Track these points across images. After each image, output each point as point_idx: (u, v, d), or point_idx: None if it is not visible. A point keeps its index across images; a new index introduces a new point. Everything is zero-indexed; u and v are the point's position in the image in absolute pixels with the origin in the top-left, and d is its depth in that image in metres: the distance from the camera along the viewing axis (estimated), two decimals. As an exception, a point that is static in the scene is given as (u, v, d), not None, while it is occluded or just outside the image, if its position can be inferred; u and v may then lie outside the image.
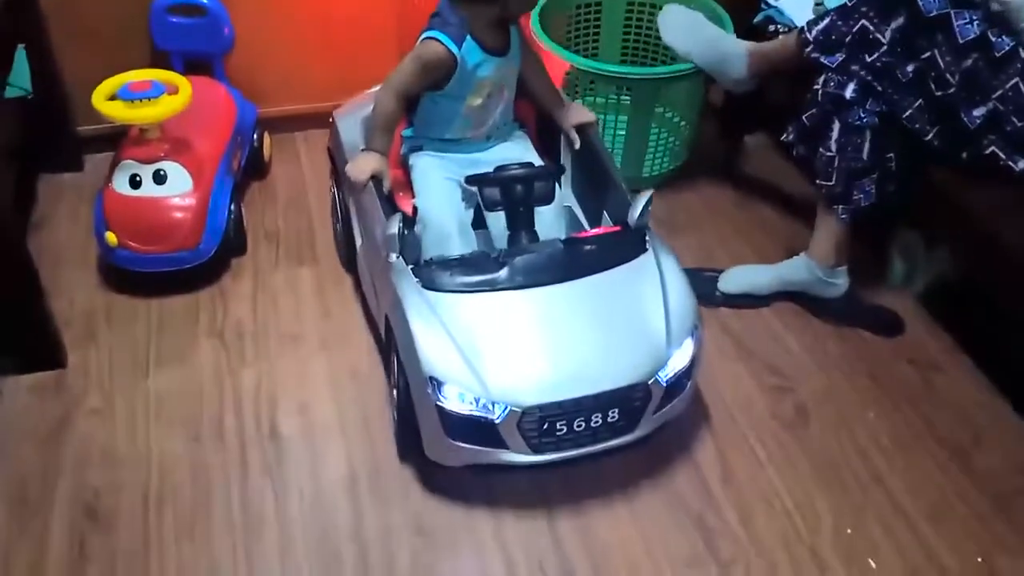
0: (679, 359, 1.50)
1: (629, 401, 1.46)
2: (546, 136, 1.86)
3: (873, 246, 1.94)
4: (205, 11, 2.04)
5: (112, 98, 1.77)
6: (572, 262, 1.52)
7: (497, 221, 1.66)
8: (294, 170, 2.24)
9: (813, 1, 1.99)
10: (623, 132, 2.13)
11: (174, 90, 1.80)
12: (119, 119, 1.77)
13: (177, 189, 1.81)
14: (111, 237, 1.80)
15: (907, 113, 1.59)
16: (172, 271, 1.86)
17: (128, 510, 1.50)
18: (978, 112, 1.53)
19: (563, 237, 1.61)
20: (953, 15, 1.50)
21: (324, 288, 1.93)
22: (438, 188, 1.69)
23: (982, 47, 1.50)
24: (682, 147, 2.24)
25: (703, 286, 1.84)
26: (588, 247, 1.56)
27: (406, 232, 1.51)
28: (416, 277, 1.49)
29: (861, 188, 1.68)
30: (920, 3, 1.52)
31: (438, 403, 1.42)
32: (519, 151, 1.76)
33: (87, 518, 1.49)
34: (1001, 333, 1.74)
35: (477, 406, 1.42)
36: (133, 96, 1.76)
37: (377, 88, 1.67)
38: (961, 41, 1.50)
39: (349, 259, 1.91)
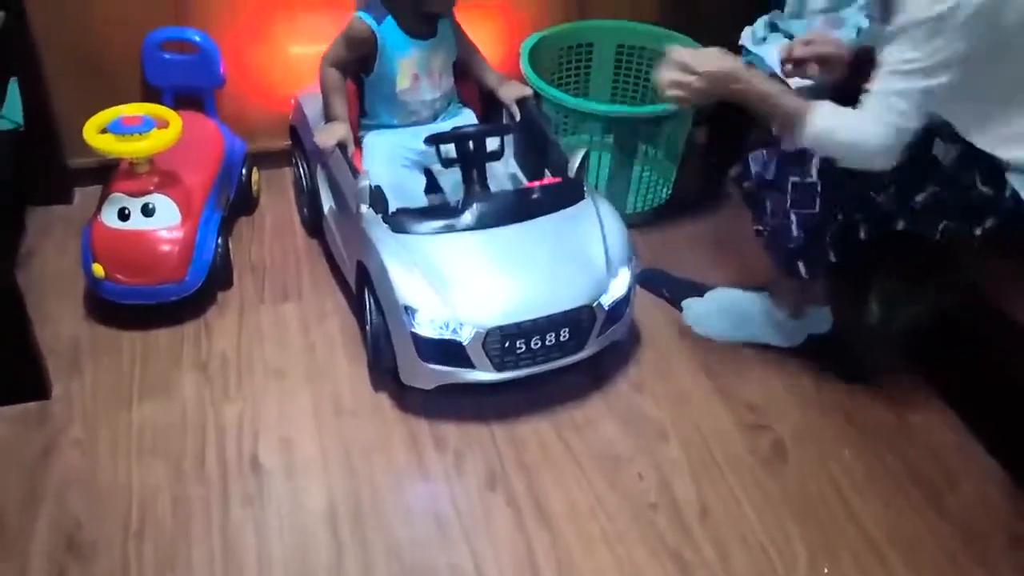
0: (618, 286, 1.73)
1: (577, 322, 1.67)
2: (490, 115, 2.09)
3: (852, 287, 1.97)
4: (198, 48, 2.08)
5: (103, 131, 1.80)
6: (522, 207, 1.74)
7: (448, 184, 1.92)
8: (281, 205, 2.27)
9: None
10: (607, 168, 2.16)
11: (165, 125, 1.82)
12: (110, 153, 1.79)
13: (165, 222, 1.83)
14: (98, 269, 1.82)
15: (861, 216, 1.62)
16: (158, 304, 1.87)
17: (109, 541, 1.50)
18: (919, 198, 1.56)
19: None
20: None
21: (308, 323, 1.94)
22: (380, 160, 1.90)
23: None
24: (666, 185, 2.27)
25: (691, 296, 1.98)
26: (535, 195, 1.78)
27: (373, 187, 1.72)
28: (386, 224, 1.69)
29: (804, 260, 1.69)
30: None
31: (412, 329, 1.62)
32: (465, 123, 1.97)
33: (67, 549, 1.49)
34: (976, 376, 1.77)
35: (447, 330, 1.61)
36: (124, 130, 1.78)
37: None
38: None
39: (314, 225, 2.11)
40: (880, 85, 1.44)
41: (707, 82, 1.52)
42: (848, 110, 1.47)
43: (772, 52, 2.05)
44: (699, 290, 1.99)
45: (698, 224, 2.28)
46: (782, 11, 2.13)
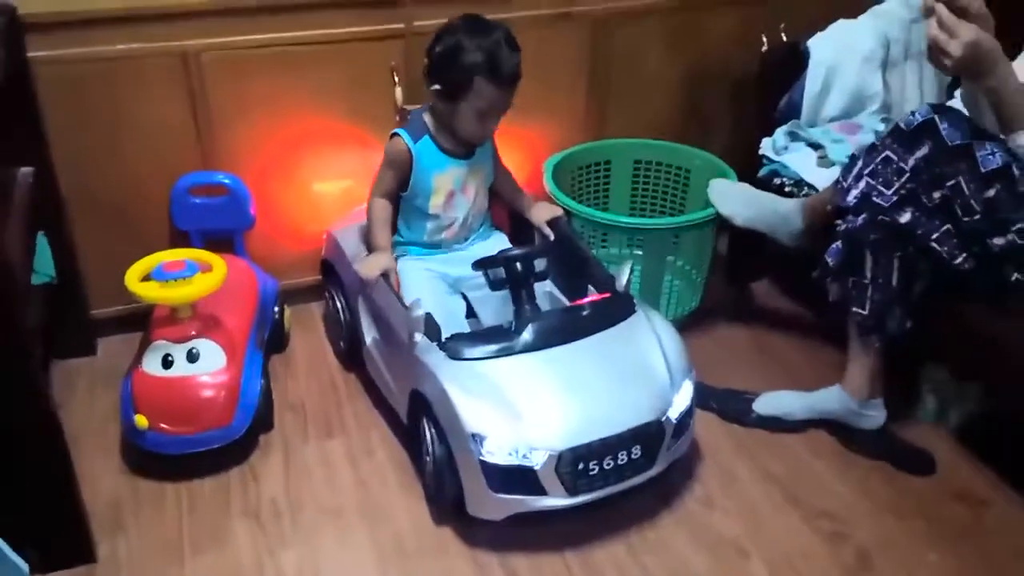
0: (683, 398, 1.71)
1: (647, 437, 1.64)
2: (521, 237, 2.11)
3: (904, 383, 1.97)
4: (228, 190, 2.08)
5: (145, 279, 1.77)
6: (577, 325, 1.73)
7: (486, 308, 1.93)
8: (313, 340, 2.24)
9: (816, 155, 2.09)
10: (637, 280, 2.17)
11: (207, 268, 1.80)
12: (154, 300, 1.76)
13: (211, 367, 1.78)
14: (141, 420, 1.76)
15: (935, 235, 1.63)
16: (201, 452, 1.81)
17: None
18: (999, 240, 1.58)
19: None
20: (975, 145, 1.56)
21: (356, 458, 1.89)
22: (420, 283, 1.90)
23: (1004, 178, 1.55)
24: (694, 294, 2.28)
25: (739, 405, 1.98)
26: (586, 312, 1.77)
27: (425, 315, 1.71)
28: (443, 351, 1.66)
29: (893, 316, 1.72)
30: (943, 134, 1.58)
31: (481, 458, 1.57)
32: (499, 246, 1.97)
33: None
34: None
35: (517, 456, 1.57)
36: (167, 276, 1.76)
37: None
38: (984, 171, 1.55)
39: (352, 357, 2.09)
40: None
41: (967, 52, 1.49)
42: None
43: (795, 161, 2.11)
44: (746, 399, 1.98)
45: (731, 331, 2.28)
46: (799, 119, 2.19)
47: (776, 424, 1.94)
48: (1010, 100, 1.53)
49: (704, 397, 1.99)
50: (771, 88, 2.23)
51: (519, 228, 2.14)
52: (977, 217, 1.58)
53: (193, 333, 1.80)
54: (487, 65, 1.79)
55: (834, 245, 1.73)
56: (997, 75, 1.52)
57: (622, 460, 1.62)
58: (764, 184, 2.15)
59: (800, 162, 2.09)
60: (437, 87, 1.84)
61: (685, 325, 2.24)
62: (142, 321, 1.93)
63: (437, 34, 1.85)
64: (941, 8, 1.50)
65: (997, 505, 1.77)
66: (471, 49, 1.78)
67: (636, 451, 1.63)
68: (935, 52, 1.53)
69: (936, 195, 1.61)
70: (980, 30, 1.49)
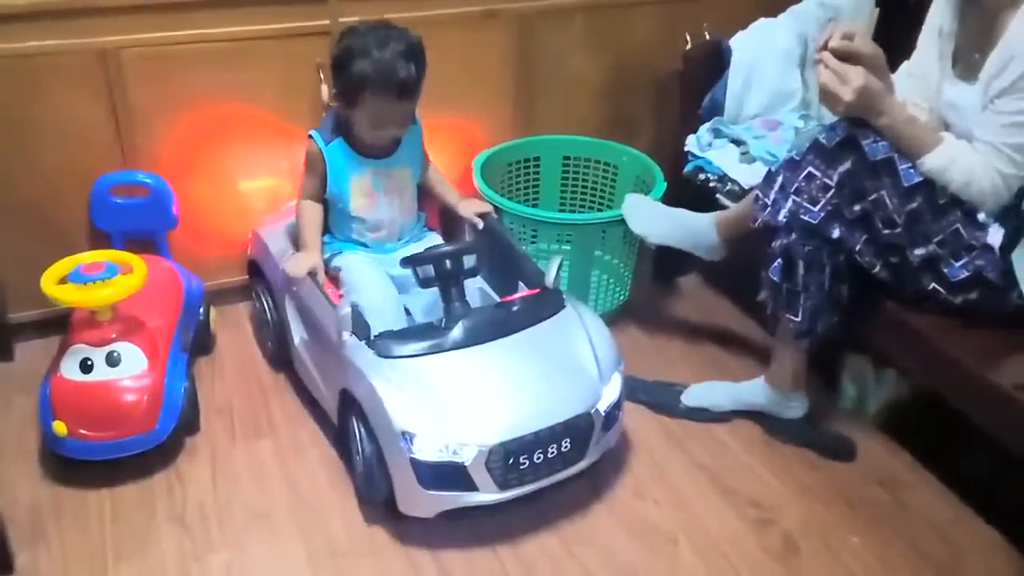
0: (612, 391, 1.73)
1: (577, 430, 1.65)
2: (451, 235, 2.12)
3: (824, 372, 2.02)
4: (149, 190, 2.03)
5: (62, 281, 1.72)
6: (506, 321, 1.73)
7: (417, 307, 1.91)
8: (240, 340, 2.20)
9: (739, 151, 2.13)
10: (566, 274, 2.18)
11: (127, 269, 1.76)
12: (72, 303, 1.71)
13: (131, 370, 1.74)
14: (60, 427, 1.71)
15: (857, 247, 1.67)
16: (124, 457, 1.76)
17: None
18: (919, 251, 1.63)
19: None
20: (897, 159, 1.60)
21: (286, 459, 1.86)
22: (369, 275, 1.87)
23: (926, 190, 1.61)
24: (622, 288, 2.31)
25: (668, 397, 2.00)
26: (516, 308, 1.77)
27: (353, 312, 1.69)
28: (371, 349, 1.65)
29: (823, 320, 1.74)
30: (865, 149, 1.61)
31: (411, 455, 1.56)
32: (431, 244, 1.96)
33: None
34: (959, 447, 1.81)
35: (447, 452, 1.56)
36: (85, 278, 1.71)
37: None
38: (906, 184, 1.60)
39: (280, 357, 2.07)
40: (994, 136, 1.55)
41: (858, 97, 1.56)
42: (968, 150, 1.58)
43: (719, 157, 2.14)
44: (675, 391, 2.01)
45: (659, 324, 2.31)
46: (723, 116, 2.23)
47: (704, 415, 1.97)
48: (905, 133, 1.61)
49: (633, 389, 2.01)
50: (695, 85, 2.26)
51: (450, 229, 2.14)
52: (898, 230, 1.62)
53: (113, 336, 1.75)
54: (377, 78, 1.75)
55: (775, 264, 1.72)
56: (887, 113, 1.59)
57: (552, 453, 1.63)
58: (689, 179, 2.18)
59: (723, 158, 2.12)
60: (335, 90, 1.84)
61: (614, 319, 2.27)
62: (62, 325, 1.88)
63: (340, 35, 1.83)
64: (828, 56, 1.57)
65: (916, 488, 1.83)
66: (362, 60, 1.75)
67: (566, 444, 1.64)
68: (826, 97, 1.60)
69: (856, 208, 1.64)
70: (868, 74, 1.56)
